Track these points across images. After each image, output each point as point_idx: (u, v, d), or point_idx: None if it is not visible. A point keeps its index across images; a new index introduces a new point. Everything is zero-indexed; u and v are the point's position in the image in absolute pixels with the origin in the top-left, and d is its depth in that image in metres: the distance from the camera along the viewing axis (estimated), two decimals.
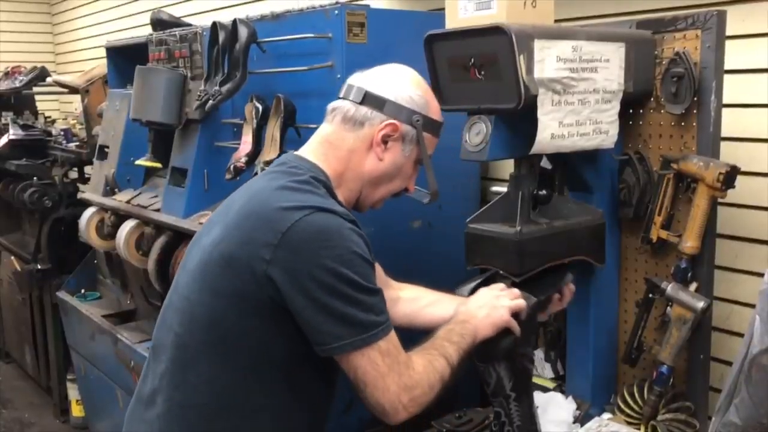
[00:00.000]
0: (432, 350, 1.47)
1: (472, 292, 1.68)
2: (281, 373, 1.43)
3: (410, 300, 1.84)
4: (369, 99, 1.50)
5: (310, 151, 1.53)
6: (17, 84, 4.56)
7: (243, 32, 2.35)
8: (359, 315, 1.34)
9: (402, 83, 1.53)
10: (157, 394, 1.49)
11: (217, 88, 2.38)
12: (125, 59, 3.32)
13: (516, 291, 1.61)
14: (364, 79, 1.53)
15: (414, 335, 1.93)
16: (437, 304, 1.80)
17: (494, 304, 1.56)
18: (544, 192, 1.68)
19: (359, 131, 1.50)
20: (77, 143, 4.24)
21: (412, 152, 1.54)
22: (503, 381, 1.61)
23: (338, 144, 1.51)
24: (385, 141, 1.50)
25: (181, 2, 4.49)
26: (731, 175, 1.66)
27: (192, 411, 1.44)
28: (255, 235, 1.36)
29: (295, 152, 1.56)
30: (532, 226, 1.66)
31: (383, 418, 1.41)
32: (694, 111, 1.72)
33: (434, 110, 1.57)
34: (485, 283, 1.70)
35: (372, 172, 1.52)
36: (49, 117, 5.14)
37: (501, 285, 1.63)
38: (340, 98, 1.54)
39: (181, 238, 2.59)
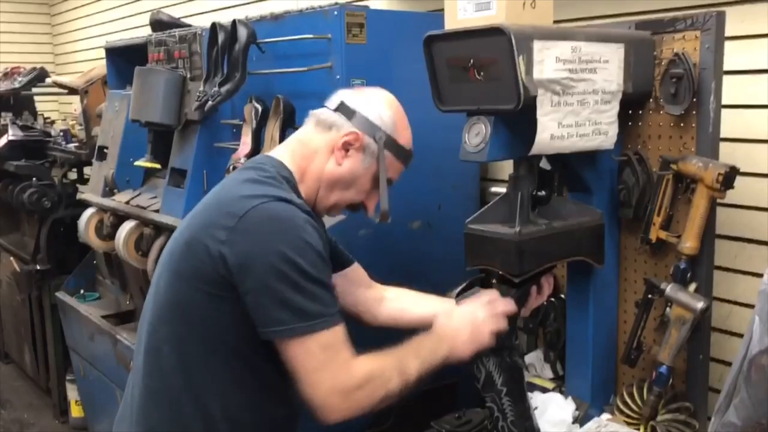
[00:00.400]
0: (390, 359, 1.48)
1: (458, 294, 1.70)
2: (239, 355, 1.47)
3: (394, 299, 1.87)
4: (342, 108, 1.61)
5: (279, 149, 1.63)
6: (16, 85, 4.56)
7: (242, 33, 2.35)
8: (303, 303, 1.37)
9: (376, 102, 1.62)
10: (135, 388, 1.54)
11: (216, 88, 2.38)
12: (124, 60, 3.32)
13: (503, 303, 1.62)
14: (346, 93, 1.64)
15: (398, 335, 1.94)
16: (422, 303, 1.83)
17: (478, 327, 1.58)
18: (543, 193, 1.68)
19: (326, 134, 1.60)
20: (76, 144, 4.23)
21: (371, 166, 1.60)
22: (493, 376, 1.63)
23: (306, 142, 1.61)
24: (346, 148, 1.58)
25: (180, 3, 4.50)
26: (730, 175, 1.66)
27: (163, 395, 1.48)
28: (214, 218, 1.44)
29: (268, 154, 1.64)
30: (532, 226, 1.66)
31: (316, 414, 1.41)
32: (694, 112, 1.72)
33: (402, 135, 1.63)
34: (469, 287, 1.72)
35: (329, 174, 1.59)
36: (49, 118, 5.14)
37: (490, 294, 1.63)
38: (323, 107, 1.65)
39: None
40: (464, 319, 1.59)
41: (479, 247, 1.68)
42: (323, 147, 1.59)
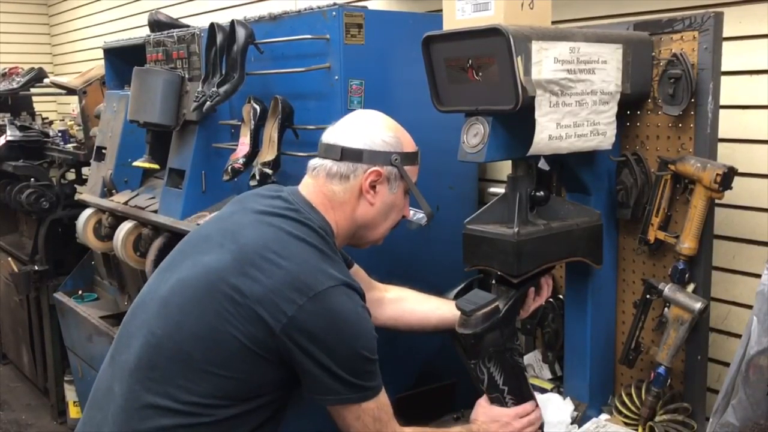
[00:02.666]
0: None
1: (457, 295, 1.71)
2: (247, 399, 1.49)
3: (395, 300, 1.88)
4: (347, 154, 1.60)
5: (314, 200, 1.60)
6: (14, 85, 4.56)
7: (240, 33, 2.34)
8: (359, 381, 1.46)
9: (372, 130, 1.62)
10: (115, 383, 1.53)
11: (214, 89, 2.38)
12: (123, 60, 3.32)
13: (531, 417, 1.70)
14: (337, 135, 1.62)
15: (398, 336, 1.94)
16: (422, 303, 1.85)
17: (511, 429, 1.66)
18: (541, 193, 1.68)
19: (346, 184, 1.60)
20: (75, 144, 4.23)
21: (399, 188, 1.65)
22: (495, 377, 1.63)
23: (330, 197, 1.61)
24: (372, 186, 1.60)
25: (178, 3, 4.49)
26: (728, 176, 1.66)
27: (150, 410, 1.47)
28: (281, 287, 1.43)
29: (303, 196, 1.61)
30: (530, 227, 1.66)
31: None
32: (692, 112, 1.72)
33: (407, 144, 1.66)
34: (467, 288, 1.73)
35: (364, 216, 1.63)
36: (47, 118, 5.14)
37: (517, 411, 1.68)
38: (319, 158, 1.63)
39: (178, 239, 2.58)
40: (497, 422, 1.66)
41: (477, 248, 1.68)
42: (349, 196, 1.61)
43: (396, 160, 1.61)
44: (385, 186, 1.62)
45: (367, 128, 1.63)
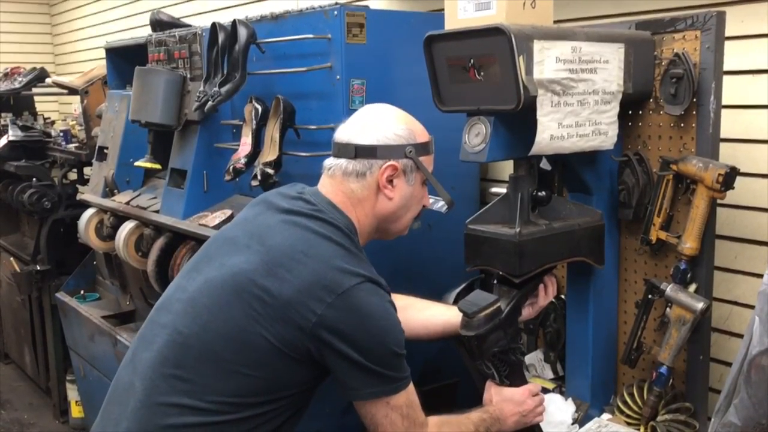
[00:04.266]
0: (458, 427, 1.61)
1: (456, 298, 1.71)
2: (276, 401, 1.50)
3: (399, 309, 1.87)
4: (361, 151, 1.60)
5: (335, 199, 1.61)
6: (16, 85, 4.55)
7: (242, 33, 2.34)
8: (391, 374, 1.49)
9: (384, 125, 1.62)
10: (136, 379, 1.52)
11: (216, 89, 2.38)
12: (124, 60, 3.32)
13: (542, 396, 1.73)
14: (349, 133, 1.62)
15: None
16: (426, 309, 1.85)
17: (525, 417, 1.68)
18: (543, 193, 1.68)
19: (363, 181, 1.61)
20: (76, 144, 4.23)
21: (416, 179, 1.65)
22: (501, 373, 1.65)
23: (350, 195, 1.62)
24: (389, 181, 1.61)
25: (180, 3, 4.50)
26: (730, 176, 1.66)
27: (174, 408, 1.47)
28: (309, 286, 1.45)
29: (324, 196, 1.62)
30: (532, 227, 1.66)
31: None
32: (694, 112, 1.72)
33: (420, 134, 1.66)
34: (467, 288, 1.73)
35: (385, 210, 1.63)
36: (49, 118, 5.13)
37: (528, 389, 1.70)
38: (333, 157, 1.64)
39: (180, 239, 2.59)
40: (515, 407, 1.68)
41: (479, 248, 1.68)
42: (368, 193, 1.61)
43: (410, 152, 1.61)
44: (402, 179, 1.62)
45: (378, 123, 1.62)
